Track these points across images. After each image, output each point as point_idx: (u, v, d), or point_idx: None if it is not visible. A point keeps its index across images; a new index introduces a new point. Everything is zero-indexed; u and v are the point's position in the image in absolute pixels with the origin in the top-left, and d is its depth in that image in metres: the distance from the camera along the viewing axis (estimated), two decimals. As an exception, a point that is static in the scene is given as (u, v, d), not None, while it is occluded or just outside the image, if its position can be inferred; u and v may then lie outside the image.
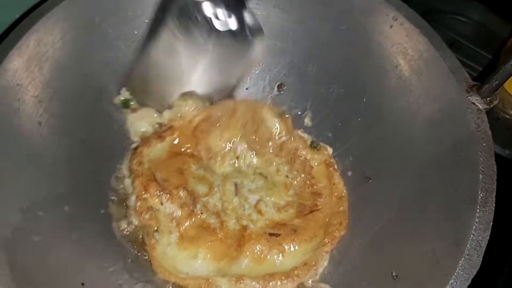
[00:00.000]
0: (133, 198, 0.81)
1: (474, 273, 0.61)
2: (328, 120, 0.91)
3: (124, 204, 0.81)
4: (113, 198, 0.82)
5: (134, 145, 0.87)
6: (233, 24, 0.77)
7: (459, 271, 0.61)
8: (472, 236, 0.63)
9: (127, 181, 0.83)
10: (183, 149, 0.86)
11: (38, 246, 0.67)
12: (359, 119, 0.87)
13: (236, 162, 0.86)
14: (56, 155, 0.77)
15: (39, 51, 0.76)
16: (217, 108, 0.88)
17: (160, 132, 0.86)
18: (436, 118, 0.75)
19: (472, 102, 0.72)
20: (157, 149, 0.85)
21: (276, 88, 0.95)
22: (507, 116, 1.04)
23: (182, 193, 0.79)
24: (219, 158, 0.86)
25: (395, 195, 0.78)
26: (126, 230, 0.79)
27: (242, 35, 0.78)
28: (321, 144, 0.89)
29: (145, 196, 0.78)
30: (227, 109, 0.88)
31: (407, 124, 0.79)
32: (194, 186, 0.82)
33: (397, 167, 0.79)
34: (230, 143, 0.88)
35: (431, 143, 0.75)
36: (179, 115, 0.88)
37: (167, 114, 0.88)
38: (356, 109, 0.87)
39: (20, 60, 0.73)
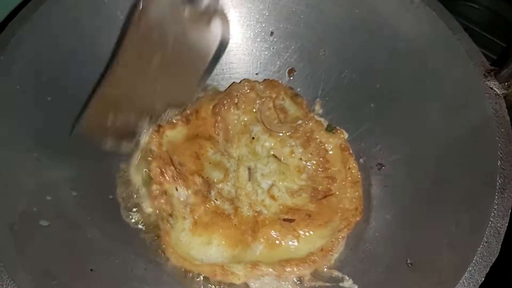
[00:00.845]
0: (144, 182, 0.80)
1: (493, 260, 0.60)
2: (339, 106, 0.89)
3: (134, 189, 0.80)
4: (121, 183, 0.81)
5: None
6: None
7: (478, 259, 0.60)
8: (490, 223, 0.61)
9: (135, 164, 0.82)
10: (200, 131, 0.85)
11: (46, 231, 0.66)
12: (372, 105, 0.85)
13: (251, 143, 0.85)
14: (64, 139, 0.75)
15: (46, 33, 0.74)
16: (236, 86, 0.89)
17: (188, 115, 0.86)
18: (453, 103, 0.74)
19: (490, 87, 0.70)
20: (176, 131, 0.84)
21: (286, 74, 0.93)
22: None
23: (197, 180, 0.78)
24: (236, 138, 0.85)
25: (410, 182, 0.76)
26: (137, 215, 0.78)
27: None
28: (338, 127, 0.87)
29: (161, 179, 0.78)
30: (246, 87, 0.88)
31: (422, 110, 0.78)
32: (210, 172, 0.81)
33: (412, 154, 0.78)
34: (246, 123, 0.88)
35: (448, 129, 0.73)
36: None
37: None
38: (369, 95, 0.85)
39: (27, 41, 0.71)
